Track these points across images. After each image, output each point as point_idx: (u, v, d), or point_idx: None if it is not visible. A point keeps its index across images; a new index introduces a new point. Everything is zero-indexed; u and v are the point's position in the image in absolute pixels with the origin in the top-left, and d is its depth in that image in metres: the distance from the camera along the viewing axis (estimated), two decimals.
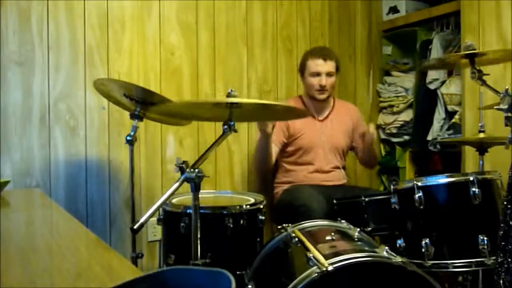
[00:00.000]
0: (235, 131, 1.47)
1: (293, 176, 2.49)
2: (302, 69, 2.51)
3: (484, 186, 1.73)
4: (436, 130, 2.84)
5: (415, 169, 3.13)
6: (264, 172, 2.61)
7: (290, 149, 2.50)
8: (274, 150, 2.42)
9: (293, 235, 1.62)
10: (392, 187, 1.89)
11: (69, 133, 2.20)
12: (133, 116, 1.90)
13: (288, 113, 1.88)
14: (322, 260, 1.33)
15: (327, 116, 2.56)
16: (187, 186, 1.41)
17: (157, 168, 2.45)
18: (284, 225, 1.76)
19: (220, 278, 0.52)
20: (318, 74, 2.42)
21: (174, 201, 1.91)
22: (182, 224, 1.75)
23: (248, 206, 1.83)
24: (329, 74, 2.43)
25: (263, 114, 1.82)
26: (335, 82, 2.51)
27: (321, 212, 2.04)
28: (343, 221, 1.79)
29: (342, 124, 2.56)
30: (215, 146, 1.45)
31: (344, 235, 1.63)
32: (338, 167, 2.54)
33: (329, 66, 2.42)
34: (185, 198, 1.97)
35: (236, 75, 2.69)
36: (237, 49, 2.70)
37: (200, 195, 1.42)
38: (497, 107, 1.40)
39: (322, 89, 2.43)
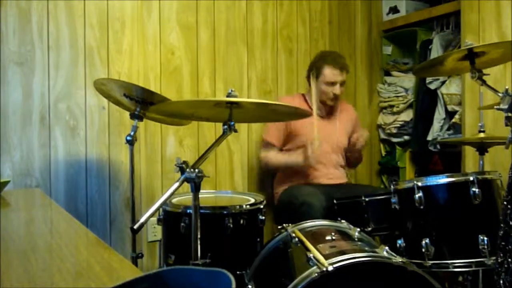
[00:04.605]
0: (235, 131, 1.47)
1: (294, 175, 2.50)
2: (316, 73, 2.50)
3: (484, 186, 1.73)
4: (436, 130, 2.84)
5: (415, 169, 3.13)
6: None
7: (291, 146, 2.50)
8: (276, 151, 2.51)
9: (293, 235, 1.62)
10: (392, 187, 1.89)
11: (69, 133, 2.20)
12: (133, 116, 1.90)
13: (290, 114, 1.88)
14: (322, 260, 1.33)
15: (331, 115, 2.57)
16: (187, 186, 1.41)
17: (157, 168, 2.45)
18: (284, 225, 1.76)
19: (220, 278, 0.52)
20: (333, 83, 2.46)
21: (174, 201, 1.91)
22: (182, 224, 1.75)
23: (248, 206, 1.83)
24: (342, 83, 2.48)
25: (263, 114, 1.81)
26: None
27: (321, 209, 2.05)
28: (343, 221, 1.79)
29: (344, 123, 2.59)
30: (215, 146, 1.45)
31: (344, 235, 1.63)
32: (339, 166, 2.55)
33: (344, 76, 2.48)
34: (185, 198, 1.97)
35: (236, 75, 2.69)
36: (237, 49, 2.70)
37: (200, 195, 1.42)
38: (497, 107, 1.40)
39: (335, 97, 2.48)
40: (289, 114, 1.86)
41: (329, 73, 2.45)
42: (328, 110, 2.57)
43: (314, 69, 2.50)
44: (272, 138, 2.50)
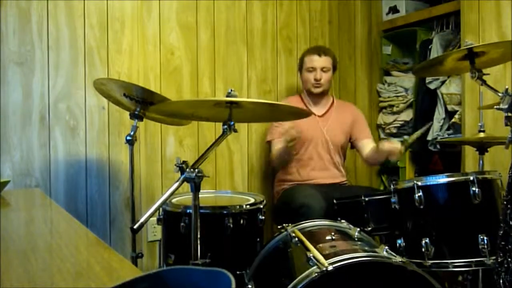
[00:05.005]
0: (235, 131, 1.47)
1: (293, 174, 2.50)
2: (300, 66, 2.61)
3: (484, 185, 1.73)
4: (436, 130, 2.84)
5: (415, 169, 3.13)
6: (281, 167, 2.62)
7: (295, 143, 2.50)
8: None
9: (293, 235, 1.62)
10: (392, 187, 1.89)
11: (69, 133, 2.20)
12: (133, 116, 1.89)
13: (289, 114, 1.88)
14: (322, 260, 1.33)
15: (326, 113, 2.58)
16: (187, 186, 1.41)
17: (157, 168, 2.45)
18: (284, 225, 1.76)
19: (220, 278, 0.52)
20: (313, 68, 2.51)
21: (174, 201, 1.91)
22: (182, 224, 1.75)
23: (248, 206, 1.83)
24: (324, 70, 2.51)
25: (263, 114, 1.81)
26: (331, 78, 2.57)
27: (320, 212, 2.05)
28: (343, 221, 1.79)
29: (341, 121, 2.58)
30: (215, 146, 1.45)
31: (344, 235, 1.63)
32: (337, 165, 2.55)
33: (324, 61, 2.51)
34: (185, 198, 1.97)
35: (236, 75, 2.69)
36: (237, 49, 2.70)
37: (200, 195, 1.42)
38: (497, 107, 1.40)
39: (317, 82, 2.50)
40: (289, 113, 1.86)
41: (308, 59, 2.54)
42: (320, 106, 2.57)
43: (300, 63, 2.61)
44: (274, 136, 2.50)
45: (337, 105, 2.63)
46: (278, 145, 2.44)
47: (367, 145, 2.56)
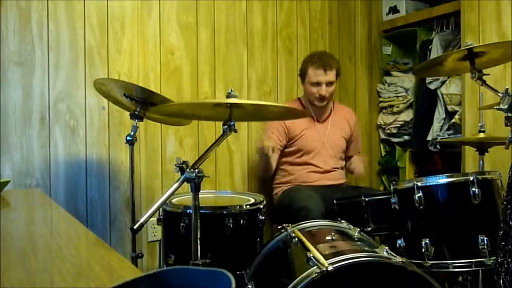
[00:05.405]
0: (235, 131, 1.47)
1: (292, 176, 2.50)
2: (302, 75, 2.51)
3: (484, 186, 1.73)
4: (436, 130, 2.84)
5: (415, 169, 3.13)
6: (265, 179, 2.62)
7: (290, 150, 2.51)
8: (275, 157, 2.45)
9: (293, 235, 1.62)
10: (392, 187, 1.89)
11: (69, 133, 2.20)
12: (133, 116, 1.90)
13: (288, 113, 1.88)
14: (322, 260, 1.33)
15: (327, 118, 2.57)
16: (187, 186, 1.41)
17: (157, 168, 2.45)
18: (284, 225, 1.76)
19: (220, 278, 0.52)
20: (318, 83, 2.42)
21: (174, 201, 1.91)
22: (182, 224, 1.75)
23: (248, 206, 1.83)
24: (328, 84, 2.43)
25: (262, 114, 1.82)
26: (335, 87, 2.50)
27: (320, 215, 2.05)
28: (343, 221, 1.79)
29: (340, 126, 2.59)
30: (215, 146, 1.45)
31: (344, 235, 1.63)
32: (337, 168, 2.55)
33: (330, 76, 2.42)
34: (185, 198, 1.97)
35: (236, 75, 2.69)
36: (237, 49, 2.70)
37: (200, 195, 1.42)
38: (497, 107, 1.40)
39: (321, 98, 2.44)
40: (287, 113, 1.87)
41: (312, 73, 2.42)
42: (320, 112, 2.55)
43: (302, 71, 2.51)
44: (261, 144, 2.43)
45: (337, 110, 2.62)
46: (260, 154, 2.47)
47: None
